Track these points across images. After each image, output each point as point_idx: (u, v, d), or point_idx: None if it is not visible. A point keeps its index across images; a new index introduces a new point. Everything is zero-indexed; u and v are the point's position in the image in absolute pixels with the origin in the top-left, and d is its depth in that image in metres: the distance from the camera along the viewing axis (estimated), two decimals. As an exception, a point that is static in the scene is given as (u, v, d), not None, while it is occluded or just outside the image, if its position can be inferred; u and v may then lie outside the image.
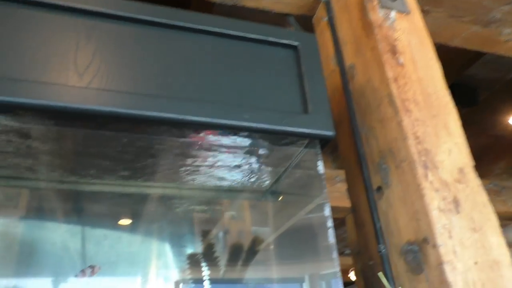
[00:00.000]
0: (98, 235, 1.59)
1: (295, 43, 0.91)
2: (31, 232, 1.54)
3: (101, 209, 1.56)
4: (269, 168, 1.01)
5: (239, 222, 1.51)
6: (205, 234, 1.49)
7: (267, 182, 1.10)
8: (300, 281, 1.50)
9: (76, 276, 1.25)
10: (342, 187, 1.97)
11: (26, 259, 1.50)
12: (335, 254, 0.79)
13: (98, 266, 1.19)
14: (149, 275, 1.53)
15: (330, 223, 0.81)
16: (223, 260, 1.45)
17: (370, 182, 0.94)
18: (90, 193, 1.46)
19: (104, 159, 0.96)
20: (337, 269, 0.78)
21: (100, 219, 1.61)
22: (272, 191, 1.14)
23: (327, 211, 0.83)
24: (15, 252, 1.49)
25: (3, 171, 1.05)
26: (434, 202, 0.81)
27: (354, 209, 1.02)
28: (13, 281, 1.50)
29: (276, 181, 1.08)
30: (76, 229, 1.59)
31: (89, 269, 1.17)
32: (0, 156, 0.95)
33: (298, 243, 1.31)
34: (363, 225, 0.98)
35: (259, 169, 1.00)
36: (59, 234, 1.59)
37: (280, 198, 1.25)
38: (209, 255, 1.46)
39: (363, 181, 0.95)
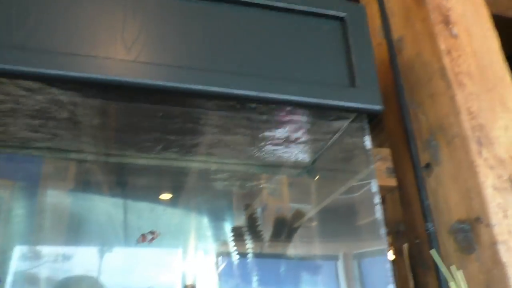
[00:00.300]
0: (141, 208, 1.64)
1: (342, 14, 0.87)
2: (78, 204, 1.62)
3: (144, 183, 1.61)
4: (312, 144, 0.99)
5: (277, 198, 1.51)
6: (243, 209, 1.51)
7: (309, 157, 1.09)
8: (335, 258, 1.49)
9: (137, 241, 1.31)
10: (382, 165, 1.92)
11: (74, 230, 1.58)
12: (382, 231, 0.77)
13: (157, 232, 1.24)
14: (189, 247, 1.58)
15: (377, 199, 0.80)
16: (260, 235, 1.47)
17: (418, 159, 0.91)
18: (134, 167, 1.51)
19: (148, 133, 0.97)
20: (385, 246, 0.77)
21: (142, 193, 1.66)
22: (314, 167, 1.12)
23: (374, 187, 0.81)
24: (65, 223, 1.57)
25: (52, 144, 1.09)
26: (488, 180, 0.77)
27: (400, 187, 1.00)
28: (62, 249, 1.59)
29: (318, 157, 1.07)
30: (120, 202, 1.65)
31: (149, 234, 1.23)
32: (48, 129, 0.99)
33: (338, 220, 1.30)
34: (410, 203, 0.96)
35: (301, 145, 0.99)
36: (104, 207, 1.66)
37: (317, 178, 1.24)
38: (247, 230, 1.48)
39: (410, 158, 0.92)
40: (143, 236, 1.25)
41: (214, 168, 1.19)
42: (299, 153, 1.04)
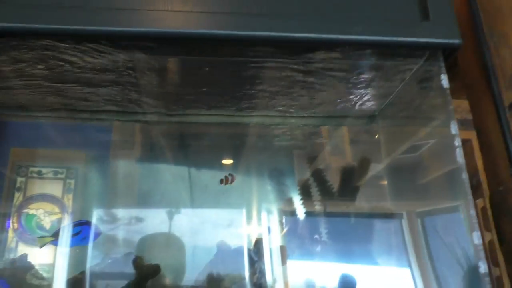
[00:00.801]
0: (204, 172, 1.69)
1: None
2: (147, 170, 1.69)
3: (206, 145, 1.64)
4: (379, 89, 0.93)
5: (340, 155, 1.47)
6: (307, 165, 1.48)
7: (375, 105, 1.02)
8: (399, 217, 1.44)
9: (219, 182, 1.39)
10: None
11: (144, 193, 1.66)
12: (464, 175, 0.71)
13: (235, 176, 1.33)
14: (253, 207, 1.60)
15: (457, 141, 0.73)
16: (327, 189, 1.44)
17: (501, 98, 0.82)
18: (196, 129, 1.53)
19: (207, 88, 0.96)
20: (467, 191, 0.71)
21: (205, 154, 1.70)
22: (381, 116, 1.06)
23: (453, 129, 0.74)
24: (135, 187, 1.65)
25: (117, 108, 1.12)
26: None
27: (479, 132, 0.91)
28: (135, 212, 1.69)
29: (387, 103, 1.00)
30: (185, 165, 1.70)
31: (229, 176, 1.31)
32: (113, 93, 1.01)
33: (408, 174, 1.24)
34: (491, 148, 0.88)
35: (367, 91, 0.93)
36: (170, 171, 1.73)
37: (376, 136, 1.18)
38: (312, 186, 1.46)
39: (492, 98, 0.83)
40: (226, 178, 1.34)
41: (275, 122, 1.16)
42: (364, 101, 0.98)
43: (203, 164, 1.70)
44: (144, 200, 1.68)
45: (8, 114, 1.70)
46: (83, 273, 1.30)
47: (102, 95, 1.00)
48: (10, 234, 1.77)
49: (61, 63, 0.81)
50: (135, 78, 0.89)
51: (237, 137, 1.44)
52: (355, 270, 1.42)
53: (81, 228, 1.40)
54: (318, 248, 1.45)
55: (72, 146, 1.74)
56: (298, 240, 1.50)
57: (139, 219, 1.67)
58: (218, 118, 1.13)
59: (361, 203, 1.45)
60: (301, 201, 1.48)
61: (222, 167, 1.69)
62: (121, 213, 1.64)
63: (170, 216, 1.68)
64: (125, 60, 0.81)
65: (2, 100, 1.14)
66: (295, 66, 0.81)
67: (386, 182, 1.39)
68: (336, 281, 1.35)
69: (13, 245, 1.76)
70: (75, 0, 0.71)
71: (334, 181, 1.46)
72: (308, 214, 1.48)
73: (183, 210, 1.66)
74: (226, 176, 1.32)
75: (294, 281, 1.41)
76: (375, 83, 0.89)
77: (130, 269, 1.49)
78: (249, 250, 1.35)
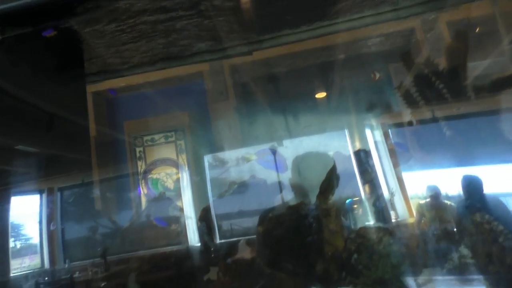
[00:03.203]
0: (300, 102, 1.69)
1: None
2: (245, 114, 1.76)
3: (297, 79, 1.64)
4: None
5: (436, 52, 1.32)
6: (403, 73, 1.37)
7: None
8: None
9: (372, 78, 1.46)
10: None
11: (246, 135, 1.73)
12: None
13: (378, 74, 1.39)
14: (354, 126, 1.56)
15: None
16: (426, 96, 1.33)
17: None
18: (285, 65, 1.53)
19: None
20: None
21: (297, 88, 1.70)
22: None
23: None
24: (237, 131, 1.73)
25: (208, 47, 1.14)
26: None
27: None
28: (240, 153, 1.78)
29: None
30: (280, 102, 1.73)
31: (375, 74, 1.41)
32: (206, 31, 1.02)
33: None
34: None
35: None
36: (268, 108, 1.77)
37: (478, 30, 1.00)
38: (411, 95, 1.36)
39: None
40: (373, 74, 1.38)
41: (366, 23, 1.06)
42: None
43: (298, 95, 1.70)
44: (246, 140, 1.76)
45: (117, 90, 1.88)
46: (207, 207, 1.45)
47: (188, 36, 1.03)
48: (143, 198, 2.02)
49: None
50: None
51: (327, 57, 1.39)
52: (478, 171, 1.31)
53: (276, 157, 1.65)
54: (431, 155, 1.37)
55: (175, 109, 1.89)
56: (409, 149, 1.43)
57: (246, 159, 1.77)
58: (305, 34, 1.08)
59: (475, 100, 1.32)
60: (405, 110, 1.40)
61: (316, 97, 1.67)
62: (227, 155, 1.75)
63: (274, 151, 1.74)
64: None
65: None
66: None
67: (501, 72, 1.24)
68: (459, 185, 1.27)
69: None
70: None
71: (437, 79, 1.34)
72: (417, 121, 1.40)
73: (284, 143, 1.70)
74: (372, 73, 1.34)
75: (413, 188, 1.36)
76: None
77: (241, 204, 1.62)
78: (356, 162, 1.34)
